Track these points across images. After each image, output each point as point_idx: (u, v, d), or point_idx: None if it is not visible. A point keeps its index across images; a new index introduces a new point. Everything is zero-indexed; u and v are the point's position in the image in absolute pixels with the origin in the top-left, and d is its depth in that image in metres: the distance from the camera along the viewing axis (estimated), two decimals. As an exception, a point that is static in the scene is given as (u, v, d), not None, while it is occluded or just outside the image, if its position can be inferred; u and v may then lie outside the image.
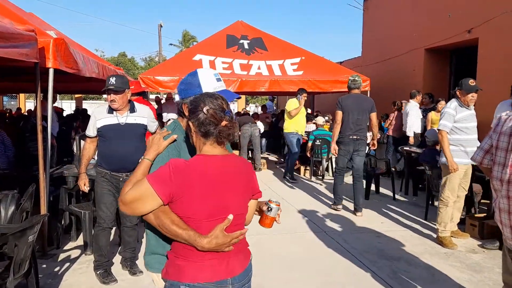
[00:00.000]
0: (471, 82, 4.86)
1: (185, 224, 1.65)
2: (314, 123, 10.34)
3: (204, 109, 1.71)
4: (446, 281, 4.04)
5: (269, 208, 1.96)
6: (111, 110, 3.91)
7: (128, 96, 3.93)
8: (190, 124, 1.75)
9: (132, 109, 4.00)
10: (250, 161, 10.89)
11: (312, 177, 9.54)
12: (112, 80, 3.81)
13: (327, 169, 9.67)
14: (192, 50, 11.83)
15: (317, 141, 9.26)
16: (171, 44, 49.46)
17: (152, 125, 4.15)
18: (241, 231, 1.75)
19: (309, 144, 9.38)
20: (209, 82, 1.93)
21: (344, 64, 13.65)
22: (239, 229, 1.75)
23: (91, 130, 3.98)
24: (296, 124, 9.14)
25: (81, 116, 11.68)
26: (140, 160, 1.86)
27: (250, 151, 11.23)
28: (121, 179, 3.95)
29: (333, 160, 9.68)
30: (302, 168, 9.99)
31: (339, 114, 6.44)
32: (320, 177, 9.51)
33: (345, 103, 6.46)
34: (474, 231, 5.29)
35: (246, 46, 11.94)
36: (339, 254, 4.71)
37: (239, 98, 2.12)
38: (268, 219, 1.98)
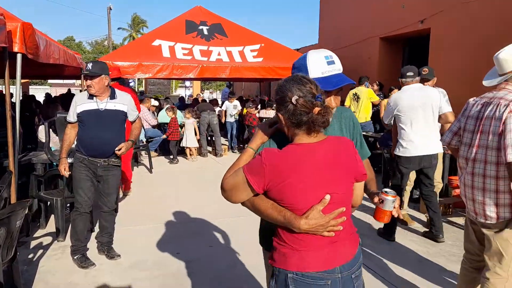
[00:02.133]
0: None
1: (281, 207, 1.63)
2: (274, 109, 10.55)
3: (293, 99, 1.59)
4: (408, 253, 4.40)
5: (381, 200, 1.75)
6: (91, 96, 3.92)
7: (105, 82, 3.95)
8: (280, 116, 1.66)
9: (113, 96, 4.03)
10: (210, 147, 10.98)
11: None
12: (89, 65, 3.89)
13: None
14: (151, 35, 11.66)
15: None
16: (120, 28, 47.90)
17: (132, 113, 4.18)
18: (339, 209, 1.63)
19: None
20: (317, 66, 1.80)
21: (301, 51, 13.91)
22: (344, 215, 1.65)
23: (71, 116, 3.99)
24: None
25: (33, 102, 11.25)
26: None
27: (211, 137, 11.28)
28: (98, 165, 3.97)
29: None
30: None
31: None
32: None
33: None
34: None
35: (205, 32, 11.91)
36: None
37: (354, 83, 1.95)
38: (381, 213, 1.77)
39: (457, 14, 8.19)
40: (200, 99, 16.32)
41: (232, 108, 11.39)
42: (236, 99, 12.14)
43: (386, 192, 1.76)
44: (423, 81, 5.03)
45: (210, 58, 10.92)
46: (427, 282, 3.73)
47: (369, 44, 11.10)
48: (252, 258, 4.22)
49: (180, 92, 31.37)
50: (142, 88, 20.58)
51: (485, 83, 2.67)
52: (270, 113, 10.96)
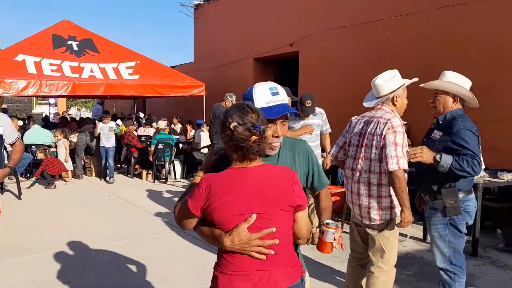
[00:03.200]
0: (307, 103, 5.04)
1: (214, 228, 1.72)
2: (156, 127, 10.45)
3: (231, 126, 1.67)
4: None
5: (322, 232, 1.79)
6: None
7: None
8: (221, 138, 1.75)
9: None
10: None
11: (155, 181, 9.63)
12: None
13: (169, 172, 9.87)
14: (12, 50, 10.66)
15: (160, 144, 9.39)
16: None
17: (10, 135, 3.84)
18: (268, 229, 1.66)
19: (152, 148, 9.44)
20: (262, 97, 1.88)
21: (176, 69, 14.02)
22: (275, 238, 1.67)
23: None
24: None
25: None
26: None
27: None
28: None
29: (175, 163, 9.99)
30: (144, 172, 9.99)
31: None
32: (163, 180, 9.66)
33: None
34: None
35: (75, 48, 11.33)
36: (202, 248, 5.04)
37: (296, 112, 1.88)
38: (323, 244, 1.79)
39: (322, 40, 9.12)
40: (68, 117, 15.32)
41: (108, 130, 9.60)
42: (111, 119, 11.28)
43: (327, 224, 1.82)
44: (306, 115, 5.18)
45: (82, 74, 10.41)
46: (322, 283, 4.10)
47: (243, 64, 11.66)
48: (146, 279, 4.18)
49: (42, 109, 28.82)
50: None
51: (365, 104, 3.12)
52: (149, 131, 10.79)
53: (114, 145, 9.65)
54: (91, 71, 10.69)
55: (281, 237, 1.69)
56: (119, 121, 10.42)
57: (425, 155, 2.88)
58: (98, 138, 9.63)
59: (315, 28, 9.27)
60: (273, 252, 1.67)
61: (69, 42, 11.41)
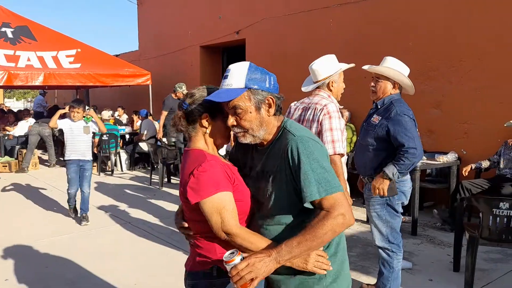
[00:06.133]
0: None
1: None
2: (100, 118, 10.08)
3: None
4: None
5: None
6: None
7: None
8: None
9: None
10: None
11: (101, 173, 9.34)
12: None
13: (115, 164, 9.60)
14: None
15: (104, 136, 9.10)
16: None
17: None
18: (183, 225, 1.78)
19: (96, 139, 9.12)
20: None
21: (120, 57, 13.57)
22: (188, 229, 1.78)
23: None
24: None
25: None
26: None
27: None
28: None
29: (121, 154, 9.74)
30: (89, 164, 9.65)
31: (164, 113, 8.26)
32: (109, 173, 9.39)
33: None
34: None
35: (10, 35, 10.70)
36: (149, 240, 4.97)
37: (224, 101, 1.61)
38: None
39: (267, 27, 9.11)
40: (6, 109, 14.52)
41: (83, 132, 5.58)
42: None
43: (225, 256, 1.50)
44: None
45: (18, 63, 9.85)
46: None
47: (190, 51, 11.46)
48: (91, 272, 4.07)
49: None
50: None
51: (303, 89, 3.15)
52: (93, 122, 10.41)
53: (91, 158, 5.79)
54: (28, 59, 10.14)
55: (192, 228, 1.75)
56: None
57: (380, 184, 3.00)
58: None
59: (260, 16, 9.24)
60: (190, 234, 1.76)
61: (3, 29, 10.77)
